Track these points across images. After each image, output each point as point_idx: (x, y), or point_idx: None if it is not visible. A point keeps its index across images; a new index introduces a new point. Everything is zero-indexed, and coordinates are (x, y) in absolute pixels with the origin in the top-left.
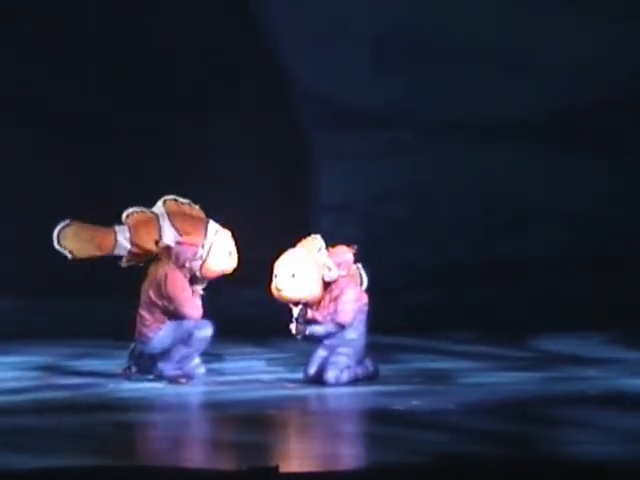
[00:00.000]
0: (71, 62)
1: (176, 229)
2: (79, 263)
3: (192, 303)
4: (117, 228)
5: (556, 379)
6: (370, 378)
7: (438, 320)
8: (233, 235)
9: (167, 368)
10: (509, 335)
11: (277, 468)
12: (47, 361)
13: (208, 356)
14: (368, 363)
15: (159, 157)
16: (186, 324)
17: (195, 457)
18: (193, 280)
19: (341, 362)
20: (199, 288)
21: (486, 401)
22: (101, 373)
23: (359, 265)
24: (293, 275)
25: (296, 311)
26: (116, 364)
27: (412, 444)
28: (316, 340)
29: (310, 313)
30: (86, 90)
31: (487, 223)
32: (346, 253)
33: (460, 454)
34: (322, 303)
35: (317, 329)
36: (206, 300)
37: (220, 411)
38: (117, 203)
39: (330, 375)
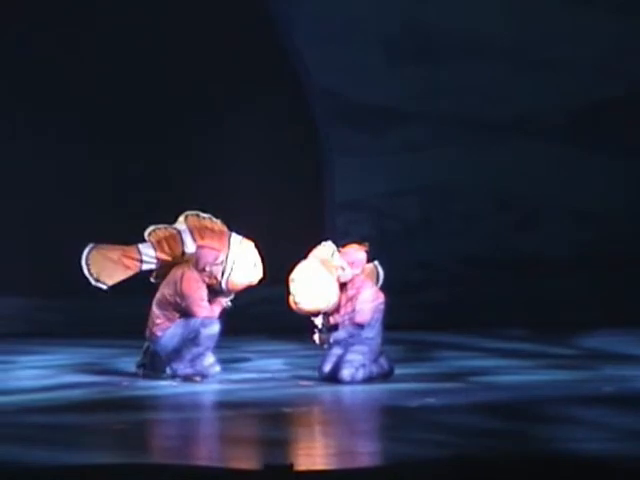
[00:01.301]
0: (85, 64)
1: (197, 243)
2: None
3: (204, 304)
4: (140, 247)
5: (585, 378)
6: (385, 376)
7: (453, 317)
8: (256, 245)
9: (180, 367)
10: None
11: (292, 466)
12: (64, 359)
13: (223, 354)
14: (383, 361)
15: (173, 157)
16: (193, 322)
17: (209, 455)
18: (219, 293)
19: (356, 360)
20: (225, 300)
21: (503, 399)
22: (116, 371)
23: (376, 263)
24: (309, 288)
25: (318, 321)
26: (132, 362)
27: (428, 442)
28: (340, 344)
29: (331, 319)
30: (102, 93)
31: (502, 220)
32: (358, 252)
33: (475, 452)
34: (339, 304)
35: (339, 335)
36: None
37: (235, 409)
38: (136, 202)
39: (345, 373)
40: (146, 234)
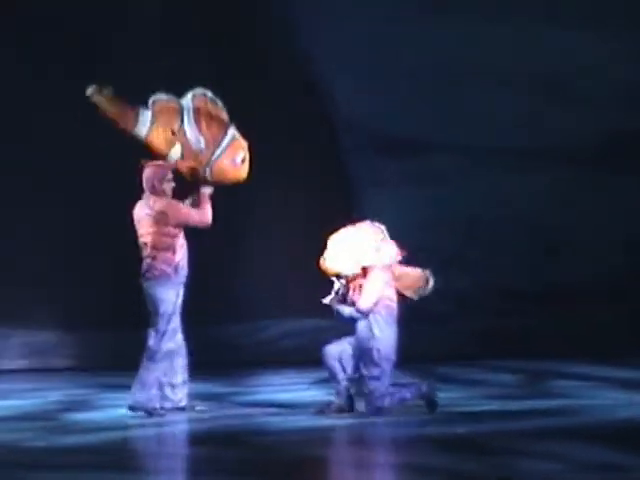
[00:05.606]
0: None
1: (197, 125)
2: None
3: (194, 211)
4: (141, 109)
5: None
6: (424, 399)
7: (488, 348)
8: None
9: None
10: None
11: None
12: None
13: (246, 387)
14: (419, 382)
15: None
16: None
17: None
18: (202, 182)
19: (374, 390)
20: (209, 190)
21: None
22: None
23: (428, 272)
24: (331, 248)
25: (335, 285)
26: None
27: (451, 474)
28: (343, 320)
29: (350, 295)
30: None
31: (534, 250)
32: (392, 246)
33: None
34: (352, 291)
35: (343, 309)
36: (248, 332)
37: (254, 441)
38: None
39: (367, 406)
40: (150, 101)
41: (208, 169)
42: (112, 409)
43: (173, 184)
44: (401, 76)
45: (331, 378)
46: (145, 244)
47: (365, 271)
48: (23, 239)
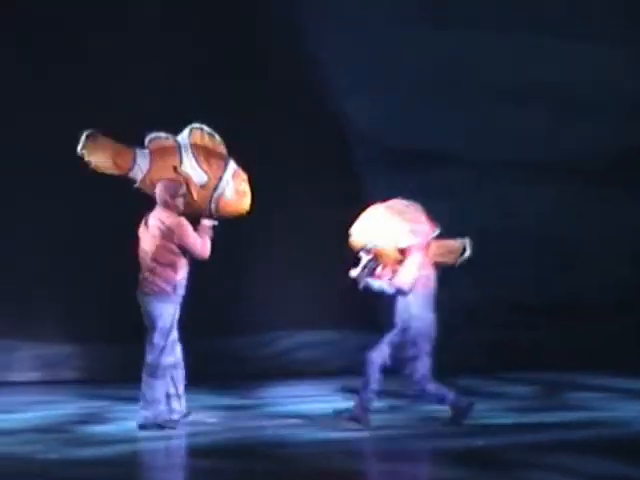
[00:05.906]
0: None
1: (196, 161)
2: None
3: (200, 243)
4: (138, 151)
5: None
6: (456, 411)
7: (496, 360)
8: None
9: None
10: None
11: None
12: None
13: (267, 399)
14: (461, 396)
15: None
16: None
17: None
18: (205, 215)
19: (415, 370)
20: (210, 223)
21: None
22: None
23: (466, 241)
24: (360, 222)
25: (364, 259)
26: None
27: None
28: (372, 293)
29: (379, 270)
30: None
31: (542, 262)
32: (425, 224)
33: None
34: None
35: (373, 283)
36: (256, 345)
37: (269, 453)
38: None
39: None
40: (146, 140)
41: (213, 203)
42: (124, 421)
43: (186, 199)
44: (413, 89)
45: (362, 385)
46: (146, 254)
47: (402, 252)
48: (23, 239)
